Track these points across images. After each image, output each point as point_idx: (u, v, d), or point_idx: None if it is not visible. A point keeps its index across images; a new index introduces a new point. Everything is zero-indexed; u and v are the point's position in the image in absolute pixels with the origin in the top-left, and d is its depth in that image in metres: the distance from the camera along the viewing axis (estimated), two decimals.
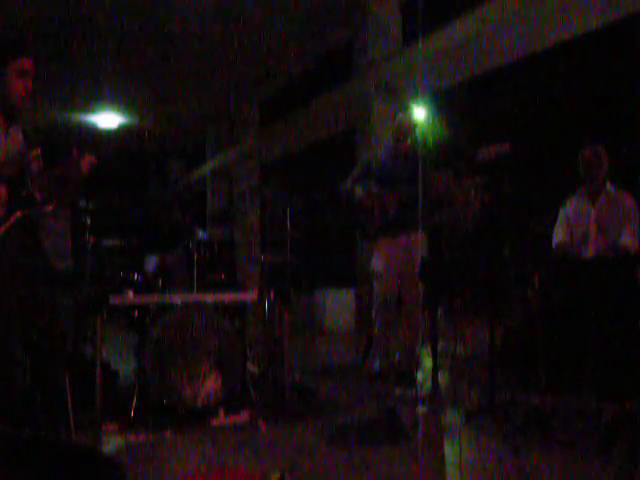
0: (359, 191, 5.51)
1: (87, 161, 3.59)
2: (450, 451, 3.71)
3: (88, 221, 4.76)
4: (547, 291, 4.42)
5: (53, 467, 2.21)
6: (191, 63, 10.76)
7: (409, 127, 5.51)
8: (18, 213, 3.32)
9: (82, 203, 4.40)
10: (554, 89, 7.23)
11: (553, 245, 5.25)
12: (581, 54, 6.79)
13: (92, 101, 12.51)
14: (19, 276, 3.35)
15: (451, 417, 4.36)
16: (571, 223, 5.18)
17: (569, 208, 5.22)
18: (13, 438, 2.47)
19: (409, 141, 5.46)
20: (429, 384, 5.06)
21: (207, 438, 3.87)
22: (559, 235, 5.23)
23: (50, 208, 3.49)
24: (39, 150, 3.52)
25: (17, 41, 3.45)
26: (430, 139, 5.37)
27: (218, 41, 9.89)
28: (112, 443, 3.79)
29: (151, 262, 5.04)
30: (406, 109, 5.57)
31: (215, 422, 4.15)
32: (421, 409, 4.61)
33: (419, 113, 5.34)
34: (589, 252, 5.01)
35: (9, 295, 3.32)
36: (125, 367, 5.05)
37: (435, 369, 4.99)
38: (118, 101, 12.56)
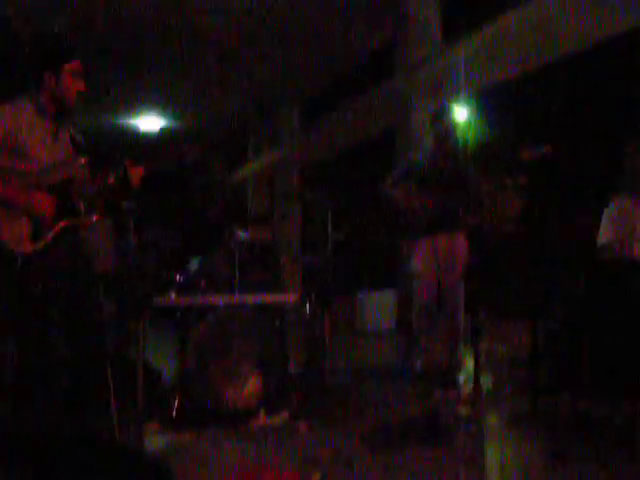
0: (400, 192, 5.48)
1: (138, 173, 3.64)
2: (492, 454, 3.67)
3: (131, 222, 4.81)
4: (592, 292, 4.36)
5: (100, 465, 2.24)
6: (233, 66, 10.82)
7: (450, 127, 5.47)
8: (61, 224, 3.37)
9: (125, 204, 4.45)
10: (599, 87, 7.12)
11: (598, 245, 5.16)
12: (627, 51, 6.67)
13: (135, 104, 12.65)
14: (63, 278, 3.40)
15: (493, 419, 4.32)
16: (616, 223, 5.08)
17: (614, 207, 5.13)
18: (59, 437, 2.51)
19: (450, 141, 5.43)
20: (471, 386, 5.02)
21: (247, 438, 3.89)
22: (604, 235, 5.13)
23: (94, 219, 3.54)
24: (86, 158, 3.58)
25: (70, 43, 3.52)
26: (471, 139, 5.33)
27: (259, 43, 9.93)
28: (154, 442, 3.83)
29: (194, 263, 5.08)
30: (447, 109, 5.52)
31: (256, 423, 4.17)
32: (462, 411, 4.57)
33: (460, 113, 5.30)
34: (635, 252, 4.91)
35: (53, 297, 3.37)
36: (167, 367, 5.10)
37: (477, 370, 4.95)
38: (160, 104, 12.68)
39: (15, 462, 2.17)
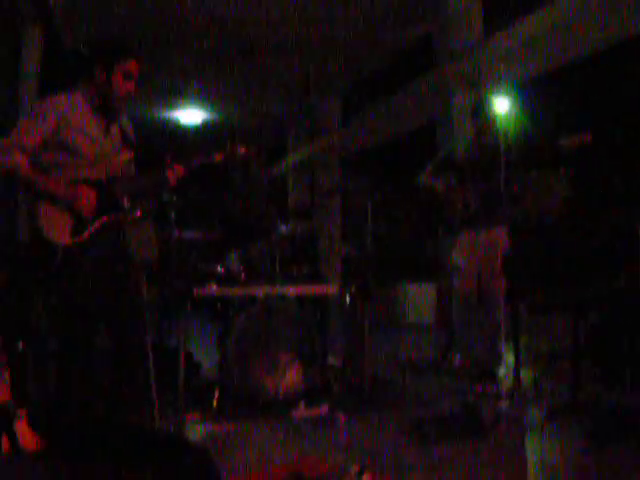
0: (440, 184, 5.46)
1: (178, 171, 3.68)
2: (531, 449, 3.65)
3: (173, 215, 4.86)
4: (634, 286, 4.30)
5: (141, 452, 2.28)
6: (273, 57, 10.85)
7: (491, 119, 5.42)
8: (103, 219, 3.42)
9: (166, 197, 4.50)
10: None
11: None
12: None
13: (176, 98, 12.73)
14: (102, 271, 3.46)
15: (533, 414, 4.29)
16: None
17: None
18: (106, 427, 2.56)
19: (491, 133, 5.38)
20: (510, 380, 4.99)
21: (287, 429, 3.92)
22: None
23: (137, 215, 3.59)
24: (132, 154, 3.63)
25: (127, 43, 3.56)
26: (512, 131, 5.27)
27: (299, 35, 9.94)
28: (195, 432, 3.88)
29: (234, 255, 5.12)
30: (487, 101, 5.48)
31: (295, 414, 4.19)
32: (502, 405, 4.55)
33: (501, 105, 5.24)
34: None
35: (95, 289, 3.43)
36: (208, 358, 5.15)
37: (517, 365, 4.91)
38: (201, 97, 12.74)
39: (61, 453, 2.22)
